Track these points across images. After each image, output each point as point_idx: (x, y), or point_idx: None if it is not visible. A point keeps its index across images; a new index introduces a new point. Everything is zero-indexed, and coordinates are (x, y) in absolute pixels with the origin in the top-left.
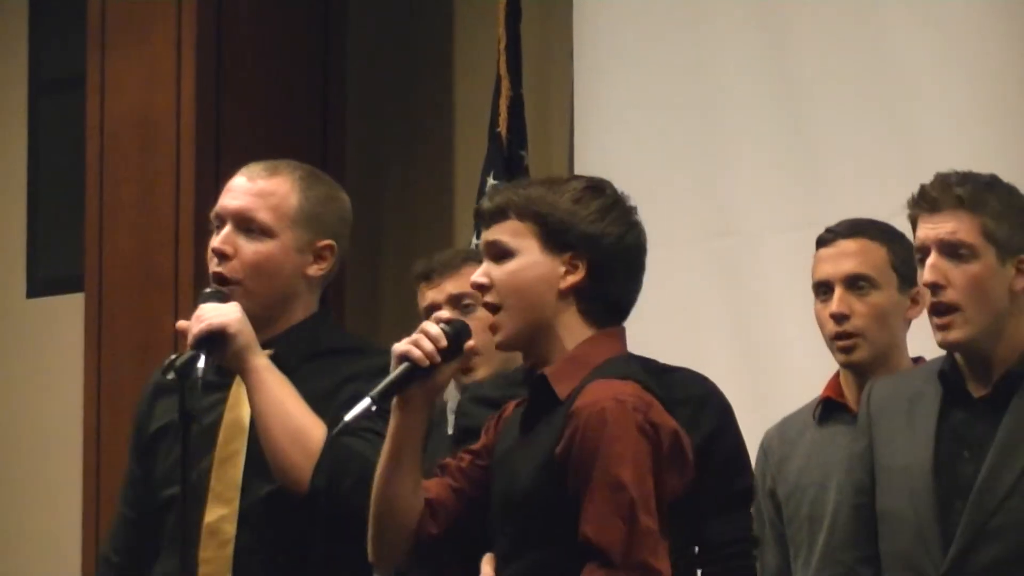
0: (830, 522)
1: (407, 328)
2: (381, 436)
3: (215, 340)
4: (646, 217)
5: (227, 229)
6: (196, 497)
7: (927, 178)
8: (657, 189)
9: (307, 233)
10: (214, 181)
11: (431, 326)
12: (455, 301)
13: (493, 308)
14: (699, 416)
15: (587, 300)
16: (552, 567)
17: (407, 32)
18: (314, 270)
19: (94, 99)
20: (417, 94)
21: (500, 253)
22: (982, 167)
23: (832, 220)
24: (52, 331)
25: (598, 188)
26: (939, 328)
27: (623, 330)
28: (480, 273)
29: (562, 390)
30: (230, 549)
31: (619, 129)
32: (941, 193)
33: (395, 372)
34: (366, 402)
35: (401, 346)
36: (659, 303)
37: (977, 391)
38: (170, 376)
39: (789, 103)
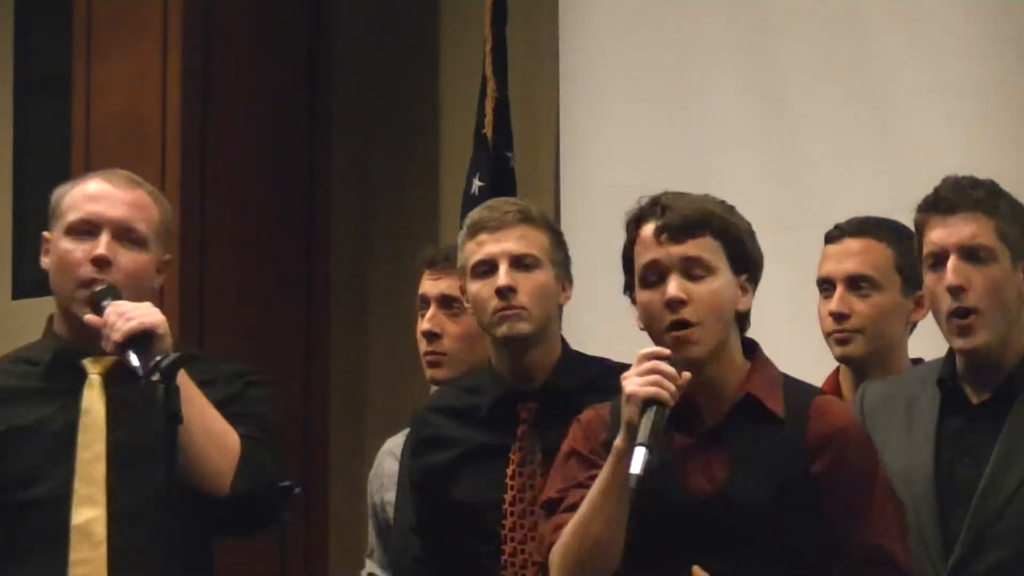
0: None
1: (395, 328)
2: (263, 444)
3: (145, 339)
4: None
5: (107, 237)
6: (60, 501)
7: (909, 180)
8: (641, 190)
9: (161, 247)
10: (199, 182)
11: (662, 365)
12: (445, 301)
13: (687, 324)
14: None
15: (744, 320)
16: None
17: (394, 34)
18: (158, 282)
19: (80, 100)
20: (404, 95)
21: (699, 269)
22: (964, 169)
23: (815, 222)
24: (38, 333)
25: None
26: (960, 333)
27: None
28: (680, 289)
29: (776, 408)
30: (103, 550)
31: (604, 130)
32: (957, 195)
33: (653, 417)
34: (642, 451)
35: (644, 389)
36: None
37: (976, 397)
38: (155, 378)
39: (773, 106)
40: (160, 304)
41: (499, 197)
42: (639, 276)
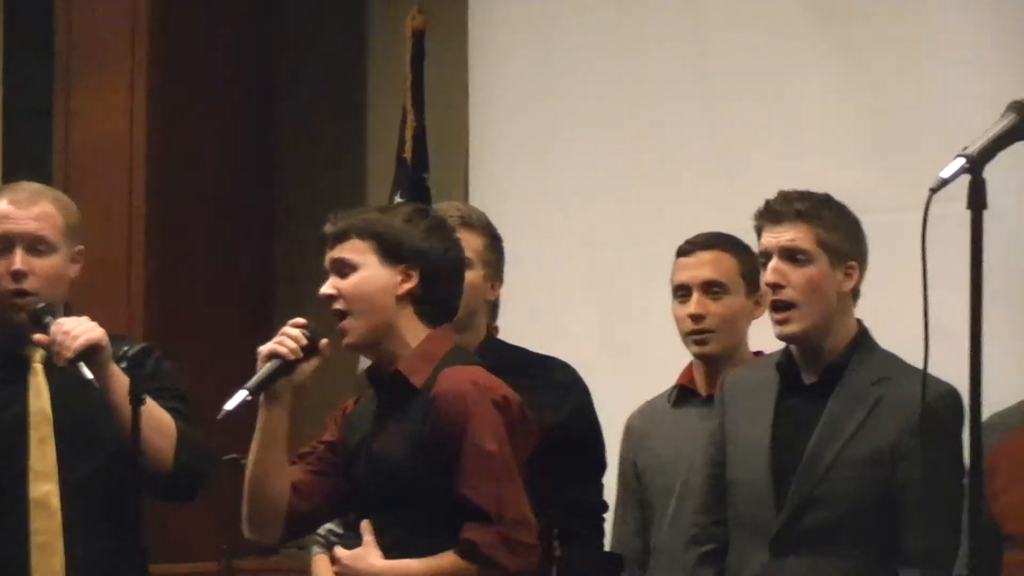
0: (679, 492)
1: (333, 321)
2: (188, 417)
3: (92, 352)
4: (528, 229)
5: (20, 252)
6: (19, 477)
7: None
8: (538, 207)
9: (72, 243)
10: (163, 196)
11: (291, 329)
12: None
13: (341, 315)
14: (566, 397)
15: (421, 303)
16: (428, 526)
17: (330, 69)
18: (73, 272)
19: (60, 126)
20: (336, 123)
21: (345, 268)
22: (839, 182)
23: (684, 237)
24: None
25: (424, 211)
26: (778, 323)
27: (451, 327)
28: (328, 286)
29: (417, 380)
30: (59, 519)
31: (507, 155)
32: (783, 207)
33: (266, 368)
34: (243, 394)
35: (267, 346)
36: (541, 304)
37: (808, 379)
38: (123, 365)
39: (662, 136)
40: (128, 302)
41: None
42: None
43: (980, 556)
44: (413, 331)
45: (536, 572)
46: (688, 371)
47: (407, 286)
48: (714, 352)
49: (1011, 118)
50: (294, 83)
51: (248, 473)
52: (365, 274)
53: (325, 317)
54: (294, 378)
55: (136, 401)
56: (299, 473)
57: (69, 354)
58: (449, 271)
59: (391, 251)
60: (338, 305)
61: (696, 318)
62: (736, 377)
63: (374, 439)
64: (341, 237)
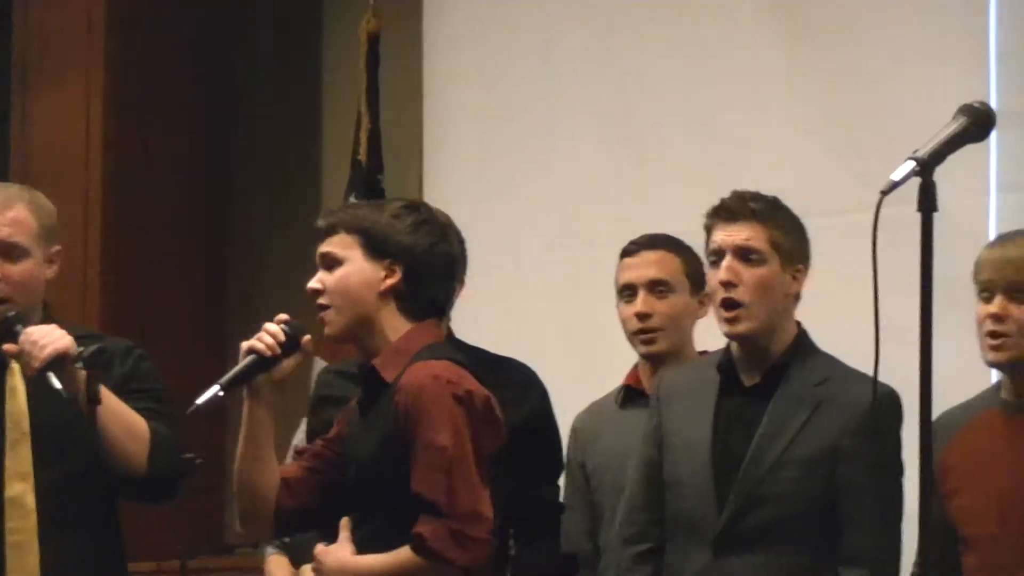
0: (629, 491)
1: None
2: (165, 416)
3: (61, 361)
4: (481, 231)
5: None
6: None
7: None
8: (491, 209)
9: (45, 245)
10: (118, 195)
11: (271, 325)
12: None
13: (324, 308)
14: (524, 397)
15: (404, 299)
16: (398, 524)
17: (286, 72)
18: (50, 273)
19: (18, 130)
20: (292, 124)
21: (331, 262)
22: (796, 183)
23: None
24: None
25: (414, 207)
26: (727, 321)
27: (438, 322)
28: (315, 280)
29: (389, 375)
30: (34, 519)
31: (461, 157)
32: (739, 206)
33: (241, 363)
34: (215, 388)
35: (247, 342)
36: (494, 305)
37: (749, 380)
38: (79, 365)
39: (617, 138)
40: (83, 302)
41: None
42: None
43: (931, 555)
44: (395, 326)
45: (489, 567)
46: (634, 372)
47: (390, 281)
48: (661, 351)
49: (961, 121)
50: (251, 85)
51: (235, 468)
52: (349, 268)
53: (308, 313)
54: (274, 374)
55: (92, 401)
56: (294, 469)
57: (37, 364)
58: (435, 267)
59: (376, 246)
60: (322, 300)
61: (642, 316)
62: (673, 377)
63: (353, 435)
64: (330, 231)
